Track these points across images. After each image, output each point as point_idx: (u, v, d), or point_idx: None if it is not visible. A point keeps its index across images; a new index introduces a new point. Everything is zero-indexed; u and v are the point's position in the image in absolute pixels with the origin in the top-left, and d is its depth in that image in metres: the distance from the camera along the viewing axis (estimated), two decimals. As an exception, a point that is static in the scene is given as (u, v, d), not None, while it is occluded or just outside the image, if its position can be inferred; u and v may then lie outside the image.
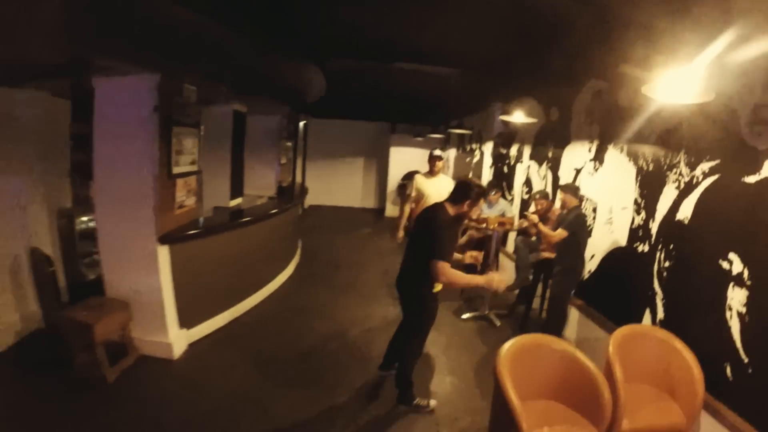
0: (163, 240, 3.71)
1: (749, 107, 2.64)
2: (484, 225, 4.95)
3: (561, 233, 3.95)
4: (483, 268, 5.65)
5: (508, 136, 6.60)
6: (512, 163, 6.44)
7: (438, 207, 3.16)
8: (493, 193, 5.74)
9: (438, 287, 3.12)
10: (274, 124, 6.82)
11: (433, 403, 3.39)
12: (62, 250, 4.24)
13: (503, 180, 6.77)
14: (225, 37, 3.70)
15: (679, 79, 2.11)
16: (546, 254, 4.46)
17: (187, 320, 4.07)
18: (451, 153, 10.57)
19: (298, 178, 10.81)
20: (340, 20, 3.88)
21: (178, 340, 3.94)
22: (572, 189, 4.19)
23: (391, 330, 3.74)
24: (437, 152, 4.99)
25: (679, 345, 2.92)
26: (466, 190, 3.08)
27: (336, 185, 12.70)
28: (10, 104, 3.89)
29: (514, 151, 6.42)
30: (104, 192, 3.73)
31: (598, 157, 4.32)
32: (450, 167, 10.46)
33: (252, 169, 6.88)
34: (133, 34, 2.86)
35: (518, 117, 4.77)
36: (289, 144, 7.64)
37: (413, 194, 5.02)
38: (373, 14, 3.64)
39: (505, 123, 6.44)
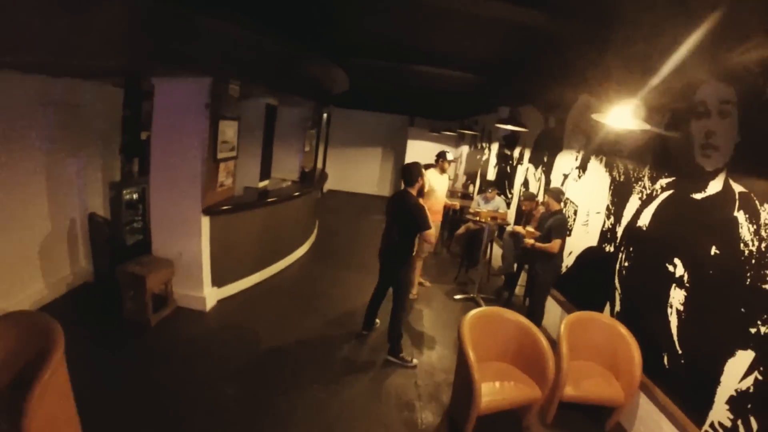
0: (206, 212, 4.47)
1: (703, 131, 3.08)
2: (477, 218, 5.56)
3: (557, 242, 4.36)
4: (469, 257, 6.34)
5: (512, 139, 7.14)
6: (514, 164, 7.01)
7: (406, 193, 4.03)
8: (489, 190, 6.33)
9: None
10: (301, 115, 7.47)
11: (415, 361, 4.12)
12: (112, 215, 4.98)
13: (505, 179, 7.33)
14: (263, 45, 4.37)
15: (621, 111, 2.72)
16: (529, 241, 4.71)
17: (218, 280, 4.84)
18: (464, 149, 11.10)
19: (320, 165, 11.53)
20: (360, 27, 4.44)
21: (210, 295, 4.72)
22: (556, 193, 4.65)
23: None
24: (449, 155, 5.60)
25: (623, 331, 3.51)
26: (415, 172, 4.04)
27: (354, 172, 13.32)
28: (78, 93, 4.63)
29: (516, 153, 6.98)
30: (159, 171, 4.49)
31: (583, 166, 4.88)
32: (463, 163, 11.01)
33: (279, 155, 7.59)
34: (184, 49, 3.58)
35: (510, 125, 5.32)
36: (313, 132, 8.29)
37: (425, 187, 5.65)
38: (389, 22, 4.14)
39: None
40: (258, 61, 4.62)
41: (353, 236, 8.83)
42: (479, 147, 9.47)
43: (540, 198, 5.56)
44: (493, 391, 3.15)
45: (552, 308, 4.87)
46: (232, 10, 3.64)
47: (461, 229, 6.56)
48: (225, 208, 4.75)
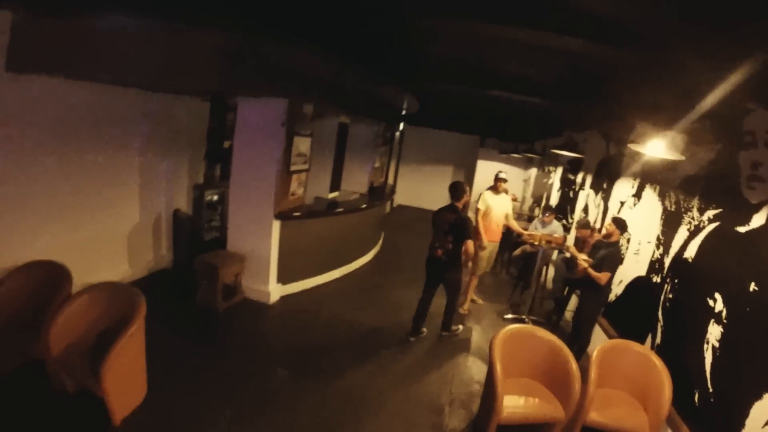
0: (277, 216, 5.08)
1: (749, 162, 3.05)
2: (532, 240, 5.66)
3: (606, 275, 4.31)
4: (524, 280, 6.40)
5: (576, 164, 7.13)
6: (576, 189, 6.98)
7: (454, 207, 4.68)
8: (546, 214, 6.38)
9: None
10: (372, 133, 8.01)
11: (460, 327, 5.17)
12: (194, 213, 5.82)
13: (567, 204, 7.31)
14: (335, 70, 4.84)
15: (658, 142, 2.84)
16: (582, 264, 4.59)
17: (283, 278, 5.42)
18: (533, 172, 11.04)
19: (390, 180, 12.02)
20: (429, 54, 4.61)
21: (275, 291, 5.30)
22: (621, 224, 4.48)
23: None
24: (502, 174, 5.81)
25: (656, 362, 3.47)
26: (460, 189, 4.72)
27: (424, 189, 13.53)
28: (171, 106, 5.49)
29: (579, 178, 6.95)
30: (238, 177, 5.20)
31: (638, 194, 4.86)
32: (531, 185, 10.96)
33: (350, 169, 8.17)
34: (263, 75, 4.16)
35: (565, 150, 5.37)
36: (384, 149, 8.79)
37: (483, 208, 5.86)
38: (455, 49, 4.23)
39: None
40: (330, 85, 5.16)
41: (416, 250, 9.04)
42: (546, 171, 9.44)
43: (597, 225, 5.55)
44: (517, 403, 3.31)
45: (599, 337, 4.84)
46: (309, 41, 4.19)
47: (518, 251, 6.67)
48: (295, 214, 5.33)
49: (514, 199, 10.75)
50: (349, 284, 6.44)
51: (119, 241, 5.19)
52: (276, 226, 5.10)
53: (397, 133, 12.05)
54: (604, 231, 4.63)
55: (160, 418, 3.21)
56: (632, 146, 3.10)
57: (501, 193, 5.87)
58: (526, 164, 11.68)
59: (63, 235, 4.33)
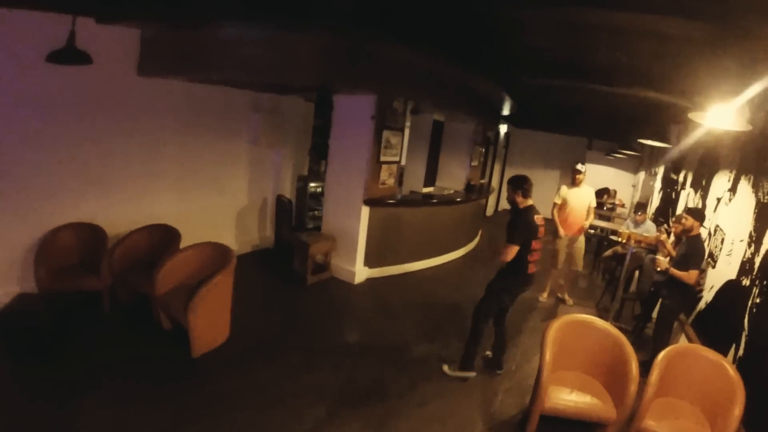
0: (366, 202, 5.61)
1: None
2: (620, 239, 5.46)
3: (693, 273, 4.06)
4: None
5: (678, 162, 6.65)
6: (678, 189, 6.48)
7: (512, 204, 4.04)
8: (639, 213, 6.06)
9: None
10: (468, 131, 8.24)
11: (472, 375, 4.11)
12: (297, 203, 6.61)
13: (669, 206, 6.80)
14: (426, 65, 5.19)
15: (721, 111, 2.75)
16: (662, 262, 4.34)
17: (370, 261, 5.94)
18: (641, 175, 10.31)
19: (494, 183, 12.05)
20: (525, 45, 4.55)
21: (361, 272, 5.85)
22: (698, 214, 4.24)
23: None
24: (579, 166, 5.73)
25: (731, 373, 3.07)
26: (515, 184, 3.82)
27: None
28: (278, 104, 6.43)
29: (681, 177, 6.46)
30: (334, 166, 5.88)
31: (733, 187, 4.45)
32: (638, 189, 10.24)
33: (446, 166, 8.50)
34: (355, 71, 4.49)
35: (652, 140, 5.01)
36: (481, 149, 8.95)
37: (559, 201, 5.85)
38: (552, 39, 4.18)
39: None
40: (423, 81, 5.47)
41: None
42: (653, 173, 8.78)
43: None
44: (564, 396, 3.20)
45: (684, 345, 4.56)
46: (400, 36, 4.29)
47: (608, 252, 6.43)
48: (384, 202, 5.83)
49: (621, 205, 10.21)
50: (437, 276, 6.71)
51: (228, 217, 6.21)
52: (365, 211, 5.63)
53: (501, 135, 12.04)
54: (680, 227, 4.37)
55: (231, 361, 3.76)
56: (691, 116, 2.96)
57: (580, 186, 5.77)
58: (636, 168, 10.94)
59: (179, 205, 5.43)
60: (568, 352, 3.43)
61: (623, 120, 7.68)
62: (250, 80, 5.44)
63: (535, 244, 3.76)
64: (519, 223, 3.69)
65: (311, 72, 4.36)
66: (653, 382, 3.10)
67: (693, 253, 4.14)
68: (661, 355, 3.25)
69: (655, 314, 5.04)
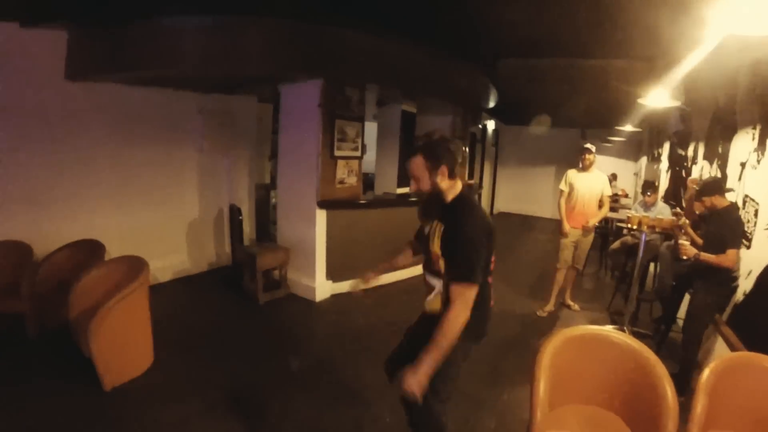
0: (321, 205, 4.74)
1: None
2: (629, 225, 4.50)
3: (732, 254, 3.19)
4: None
5: (684, 135, 5.75)
6: (689, 165, 5.57)
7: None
8: (648, 193, 5.11)
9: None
10: (445, 124, 7.40)
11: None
12: (256, 213, 5.76)
13: (680, 186, 5.89)
14: (380, 48, 4.50)
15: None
16: (688, 249, 3.43)
17: (333, 274, 5.01)
18: (643, 162, 9.47)
19: (486, 184, 11.26)
20: (500, 19, 4.06)
21: (323, 287, 4.92)
22: (714, 185, 3.51)
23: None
24: (588, 145, 4.83)
25: None
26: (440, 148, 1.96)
27: (526, 194, 12.55)
28: (227, 106, 5.69)
29: (690, 151, 5.56)
30: (284, 166, 5.03)
31: (762, 143, 3.55)
32: (641, 177, 9.38)
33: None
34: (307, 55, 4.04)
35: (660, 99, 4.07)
36: (463, 145, 8.11)
37: (566, 189, 4.96)
38: (528, 11, 3.75)
39: (682, 119, 5.67)
40: (383, 65, 4.68)
41: (508, 254, 8.22)
42: (656, 155, 7.91)
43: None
44: None
45: (721, 352, 3.60)
46: (356, 16, 3.94)
47: (616, 244, 5.48)
48: (344, 203, 4.95)
49: (624, 195, 9.30)
50: (416, 286, 5.75)
51: (177, 232, 5.40)
52: (321, 215, 4.77)
53: (490, 132, 11.26)
54: (701, 208, 3.50)
55: (152, 394, 3.09)
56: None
57: (590, 171, 4.86)
58: (636, 154, 10.12)
59: (119, 220, 4.81)
60: (573, 380, 2.38)
61: (611, 106, 6.99)
62: (192, 78, 4.86)
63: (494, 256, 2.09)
64: (476, 227, 1.88)
65: (256, 60, 3.94)
66: (698, 412, 2.08)
67: (727, 227, 3.28)
68: (707, 372, 2.21)
69: (681, 314, 4.11)
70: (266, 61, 3.96)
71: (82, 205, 4.53)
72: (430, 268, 2.05)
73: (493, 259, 2.04)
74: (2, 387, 3.05)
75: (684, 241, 3.46)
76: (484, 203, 11.78)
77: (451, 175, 1.93)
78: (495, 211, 12.89)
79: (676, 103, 2.15)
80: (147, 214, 5.06)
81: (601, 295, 5.81)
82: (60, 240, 4.11)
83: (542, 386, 2.17)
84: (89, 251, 4.05)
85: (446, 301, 1.88)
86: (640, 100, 2.50)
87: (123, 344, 3.15)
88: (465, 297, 1.81)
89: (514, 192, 12.78)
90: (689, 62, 3.41)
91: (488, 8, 3.77)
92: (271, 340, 4.05)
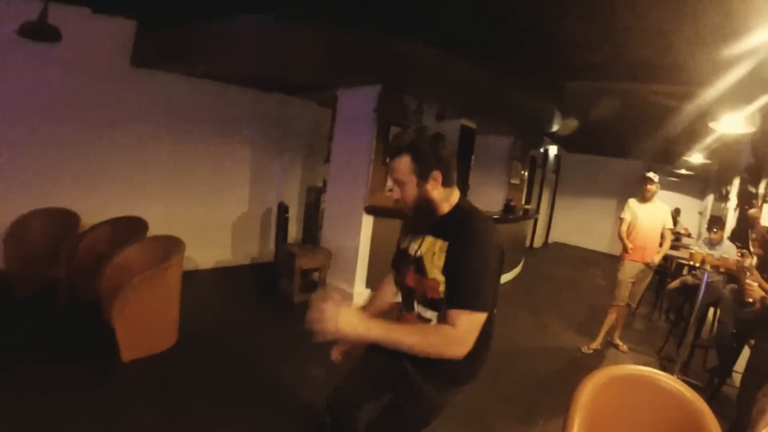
0: (368, 210, 4.74)
1: None
2: (691, 262, 4.15)
3: None
4: None
5: (755, 169, 5.29)
6: (759, 203, 5.08)
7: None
8: (714, 230, 4.71)
9: None
10: (506, 145, 7.28)
11: None
12: (305, 217, 5.84)
13: (748, 226, 5.39)
14: (443, 62, 4.54)
15: None
16: (756, 291, 3.19)
17: (372, 283, 4.96)
18: (710, 200, 8.83)
19: (543, 210, 10.96)
20: (569, 41, 3.99)
21: (360, 294, 4.89)
22: None
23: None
24: (651, 174, 4.56)
25: None
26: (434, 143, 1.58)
27: (584, 225, 12.01)
28: (285, 107, 5.89)
29: (762, 188, 5.09)
30: (335, 170, 5.10)
31: None
32: (707, 216, 8.74)
33: (479, 184, 7.52)
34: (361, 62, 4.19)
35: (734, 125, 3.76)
36: (523, 168, 7.96)
37: (628, 218, 4.72)
38: (596, 33, 3.67)
39: (754, 152, 5.23)
40: (437, 76, 4.72)
41: (558, 286, 7.91)
42: (724, 193, 7.32)
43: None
44: None
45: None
46: (413, 28, 4.00)
47: (675, 283, 5.09)
48: (390, 212, 4.92)
49: (687, 234, 8.67)
50: None
51: (222, 224, 5.61)
52: (367, 221, 4.77)
53: (551, 158, 10.95)
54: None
55: (165, 372, 3.16)
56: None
57: (653, 202, 4.59)
58: (702, 191, 9.46)
59: (167, 205, 5.03)
60: (612, 424, 2.14)
61: (678, 134, 6.59)
62: (252, 77, 5.09)
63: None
64: (491, 242, 1.49)
65: (312, 64, 4.12)
66: None
67: None
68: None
69: (738, 367, 3.76)
70: (322, 65, 4.12)
71: (133, 187, 4.80)
72: (422, 299, 1.60)
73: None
74: (20, 347, 3.20)
75: (751, 281, 3.18)
76: (540, 231, 11.40)
77: (446, 183, 1.56)
78: (550, 240, 12.45)
79: (751, 129, 1.97)
80: (195, 204, 5.30)
81: (652, 338, 5.43)
82: (108, 216, 4.30)
83: (576, 425, 1.94)
84: (132, 228, 4.17)
85: None
86: (711, 124, 2.32)
87: (147, 320, 3.24)
88: (471, 326, 1.41)
89: (572, 222, 12.29)
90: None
91: (557, 29, 3.70)
92: (296, 341, 4.00)
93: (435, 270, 1.50)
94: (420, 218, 1.62)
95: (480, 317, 1.42)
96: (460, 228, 1.50)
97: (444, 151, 1.55)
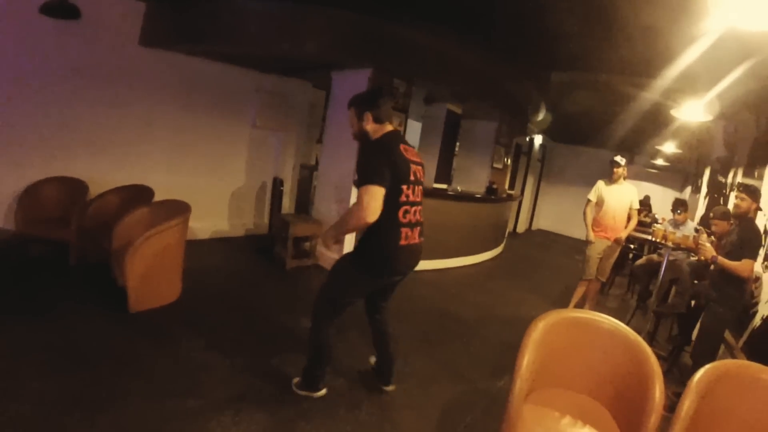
0: (356, 183, 5.02)
1: None
2: (654, 238, 4.49)
3: (748, 264, 3.23)
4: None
5: (726, 161, 5.65)
6: (727, 192, 5.48)
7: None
8: (678, 211, 5.08)
9: None
10: (490, 130, 7.57)
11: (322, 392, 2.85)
12: (298, 192, 6.17)
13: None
14: (433, 46, 4.83)
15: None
16: (706, 249, 3.49)
17: (360, 251, 5.29)
18: (687, 192, 9.20)
19: (527, 197, 11.25)
20: (557, 32, 4.15)
21: (349, 261, 5.21)
22: (754, 192, 3.49)
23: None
24: (617, 158, 4.85)
25: None
26: (369, 97, 2.46)
27: (567, 214, 12.26)
28: (283, 87, 6.16)
29: (730, 178, 5.47)
30: (328, 147, 5.43)
31: None
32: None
33: (464, 167, 7.83)
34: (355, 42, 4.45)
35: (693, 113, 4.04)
36: (506, 152, 8.25)
37: (593, 199, 5.02)
38: (581, 25, 3.85)
39: (726, 145, 5.58)
40: (427, 60, 4.99)
41: (537, 266, 8.25)
42: (698, 185, 7.69)
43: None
44: (551, 425, 2.10)
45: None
46: (404, 12, 4.24)
47: (641, 260, 5.46)
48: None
49: (663, 220, 9.04)
50: (440, 280, 5.87)
51: (220, 196, 5.90)
52: (355, 195, 5.06)
53: (536, 146, 11.27)
54: (735, 210, 3.51)
55: (169, 322, 3.42)
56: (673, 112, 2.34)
57: (620, 183, 4.87)
58: (682, 184, 9.81)
59: (169, 177, 5.30)
60: (562, 363, 2.37)
61: (654, 124, 6.89)
62: (253, 56, 5.33)
63: (409, 192, 2.32)
64: (375, 150, 2.27)
65: (311, 43, 4.35)
66: (683, 415, 1.94)
67: (747, 237, 3.31)
68: (698, 375, 2.04)
69: (695, 335, 4.10)
70: (320, 44, 4.37)
71: (138, 158, 5.07)
72: None
73: (415, 197, 2.40)
74: (33, 303, 3.39)
75: (704, 242, 3.52)
76: (524, 216, 11.72)
77: (377, 120, 2.37)
78: (534, 227, 12.80)
79: (709, 117, 2.23)
80: (195, 176, 5.58)
81: (622, 315, 5.72)
82: (114, 184, 4.56)
83: (527, 359, 2.12)
84: (138, 195, 4.43)
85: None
86: (672, 112, 2.58)
87: (154, 274, 3.48)
88: (362, 198, 2.14)
89: (556, 211, 12.59)
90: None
91: (545, 19, 3.88)
92: (289, 299, 4.39)
93: None
94: (360, 142, 2.49)
95: (374, 188, 2.13)
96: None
97: (379, 101, 2.37)
